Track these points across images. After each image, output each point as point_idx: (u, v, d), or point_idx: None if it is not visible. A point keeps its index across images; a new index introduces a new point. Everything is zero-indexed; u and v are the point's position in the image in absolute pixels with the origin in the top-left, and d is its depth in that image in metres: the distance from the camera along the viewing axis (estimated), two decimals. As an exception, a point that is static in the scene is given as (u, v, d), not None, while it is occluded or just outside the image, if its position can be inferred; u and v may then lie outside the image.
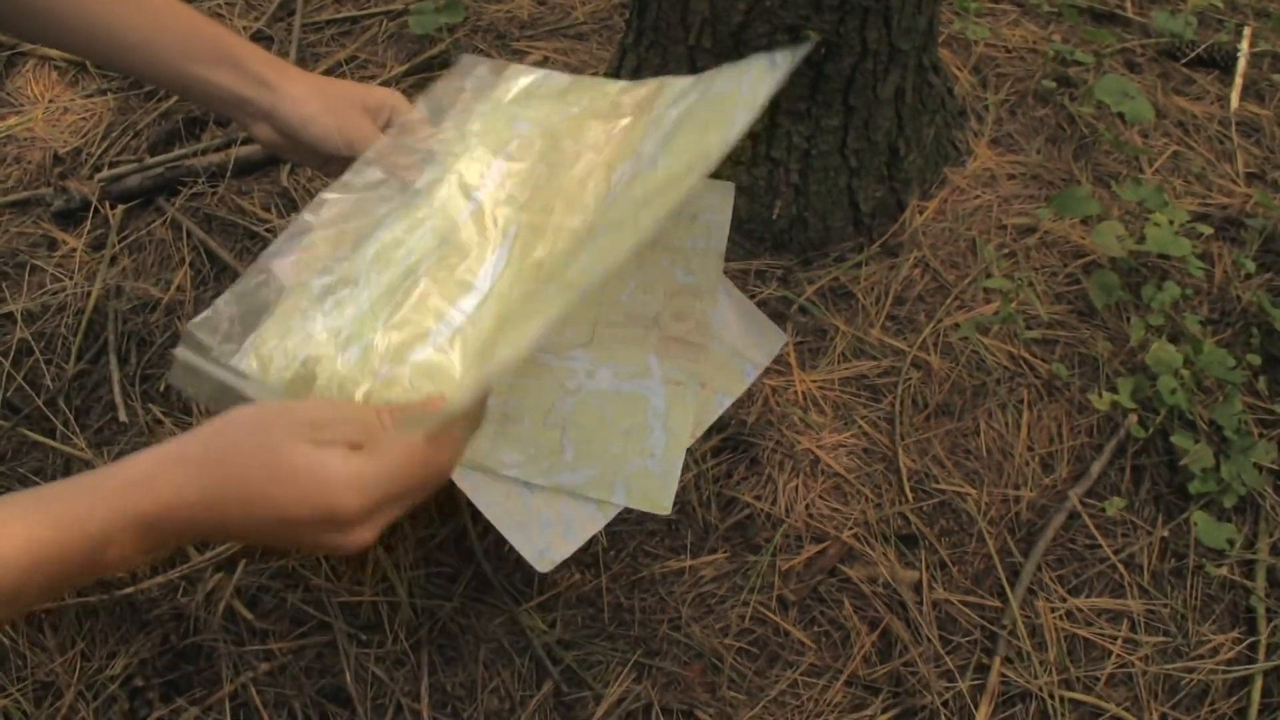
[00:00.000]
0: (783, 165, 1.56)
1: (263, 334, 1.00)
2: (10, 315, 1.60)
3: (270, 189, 1.75)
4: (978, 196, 1.70)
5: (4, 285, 1.65)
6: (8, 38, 1.97)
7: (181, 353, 0.98)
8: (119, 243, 1.69)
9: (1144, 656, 1.32)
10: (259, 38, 2.02)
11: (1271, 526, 1.43)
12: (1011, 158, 1.78)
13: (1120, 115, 1.82)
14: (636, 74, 1.60)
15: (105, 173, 1.78)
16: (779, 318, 1.54)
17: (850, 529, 1.38)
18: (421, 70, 1.93)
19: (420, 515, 1.37)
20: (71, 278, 1.64)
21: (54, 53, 1.97)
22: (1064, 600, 1.36)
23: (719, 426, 1.41)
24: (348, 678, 1.28)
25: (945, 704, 1.27)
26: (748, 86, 1.09)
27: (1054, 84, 1.90)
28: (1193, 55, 2.03)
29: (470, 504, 1.36)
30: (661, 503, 1.17)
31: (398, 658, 1.30)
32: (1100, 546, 1.40)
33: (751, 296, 1.54)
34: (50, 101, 1.93)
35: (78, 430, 1.49)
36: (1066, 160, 1.79)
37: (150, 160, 1.78)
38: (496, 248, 1.05)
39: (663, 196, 0.96)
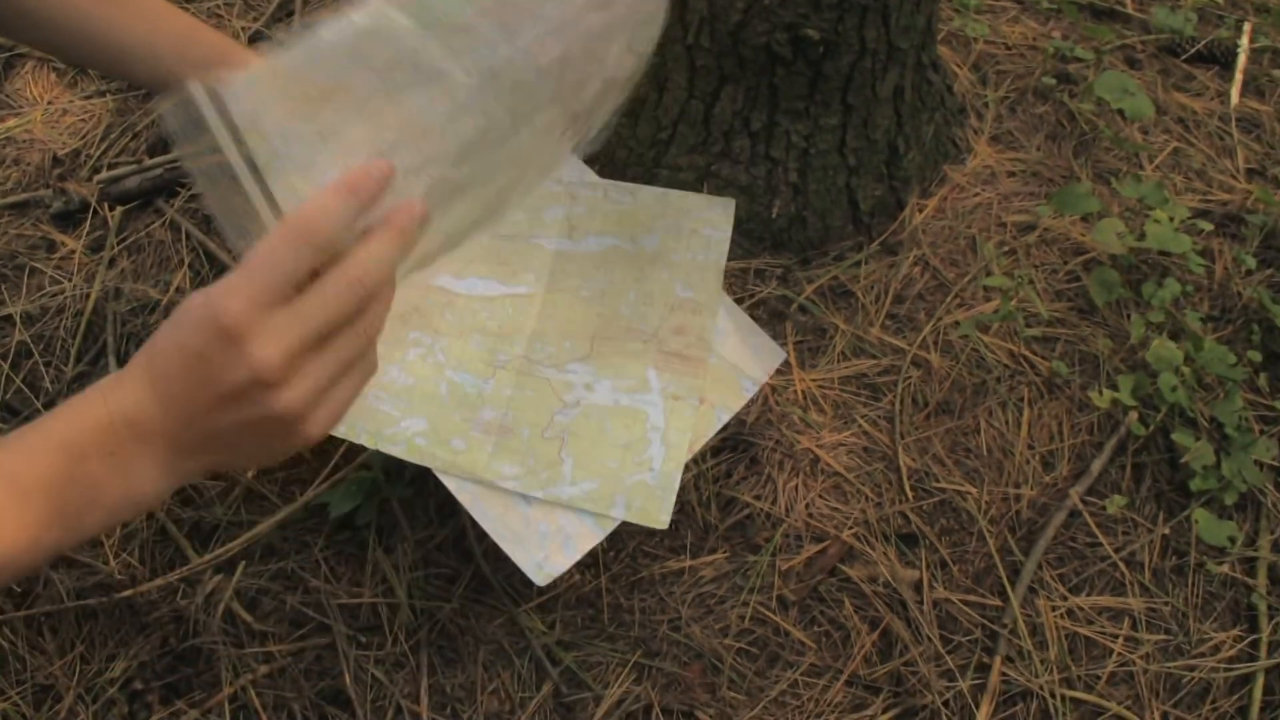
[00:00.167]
0: (781, 164, 1.56)
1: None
2: (9, 317, 1.60)
3: (269, 190, 1.74)
4: (977, 194, 1.70)
5: (3, 287, 1.65)
6: (5, 40, 1.97)
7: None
8: (118, 244, 1.69)
9: (1145, 655, 1.32)
10: (258, 38, 2.01)
11: (1273, 524, 1.43)
12: (1011, 155, 1.77)
13: (1120, 112, 1.81)
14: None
15: (104, 174, 1.78)
16: (778, 317, 1.53)
17: (850, 528, 1.38)
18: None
19: (419, 516, 1.37)
20: (70, 279, 1.64)
21: (53, 54, 1.97)
22: (1065, 599, 1.35)
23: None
24: (347, 680, 1.28)
25: (946, 703, 1.27)
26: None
27: (1054, 81, 1.90)
28: (1193, 51, 2.02)
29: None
30: (659, 517, 1.17)
31: (397, 659, 1.30)
32: (1101, 544, 1.40)
33: (751, 295, 1.54)
34: (49, 103, 1.93)
35: (77, 433, 1.49)
36: (1066, 157, 1.79)
37: (149, 162, 1.78)
38: None
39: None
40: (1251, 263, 1.63)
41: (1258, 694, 1.30)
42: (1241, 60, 2.02)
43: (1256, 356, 1.52)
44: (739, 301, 1.51)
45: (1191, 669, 1.32)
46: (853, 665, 1.30)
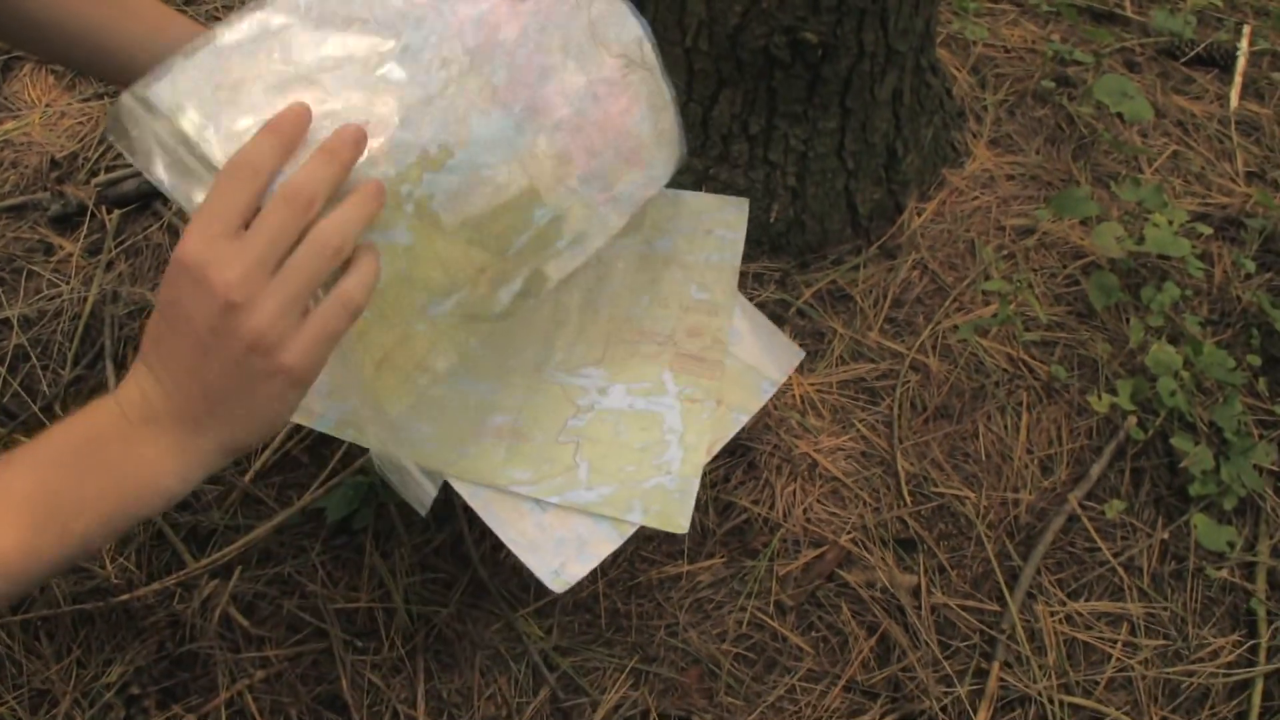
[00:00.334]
0: (780, 168, 1.56)
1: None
2: (6, 321, 1.60)
3: None
4: (976, 198, 1.70)
5: (0, 291, 1.65)
6: (5, 45, 1.96)
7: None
8: (115, 248, 1.69)
9: (1144, 660, 1.32)
10: (256, 41, 2.01)
11: (1272, 529, 1.42)
12: (1010, 158, 1.77)
13: (1119, 115, 1.81)
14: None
15: (102, 177, 1.78)
16: (777, 320, 1.53)
17: (848, 533, 1.38)
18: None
19: (416, 521, 1.37)
20: (68, 283, 1.64)
21: (51, 57, 1.97)
22: (1063, 604, 1.35)
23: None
24: (344, 685, 1.28)
25: (944, 709, 1.27)
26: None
27: (1053, 84, 1.89)
28: (1192, 54, 2.02)
29: (467, 509, 1.35)
30: (678, 521, 1.13)
31: (394, 664, 1.30)
32: (1100, 549, 1.39)
33: (749, 299, 1.54)
34: (47, 106, 1.92)
35: (74, 437, 1.48)
36: (1065, 160, 1.79)
37: (147, 165, 1.78)
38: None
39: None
40: (1251, 266, 1.63)
41: (1256, 699, 1.30)
42: (1241, 63, 2.02)
43: (1256, 361, 1.51)
44: (738, 305, 1.50)
45: (1190, 674, 1.31)
46: (850, 671, 1.30)
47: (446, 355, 1.01)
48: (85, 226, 1.72)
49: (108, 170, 1.80)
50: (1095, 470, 1.44)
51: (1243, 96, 1.97)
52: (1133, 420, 1.46)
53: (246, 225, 0.81)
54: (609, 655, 1.30)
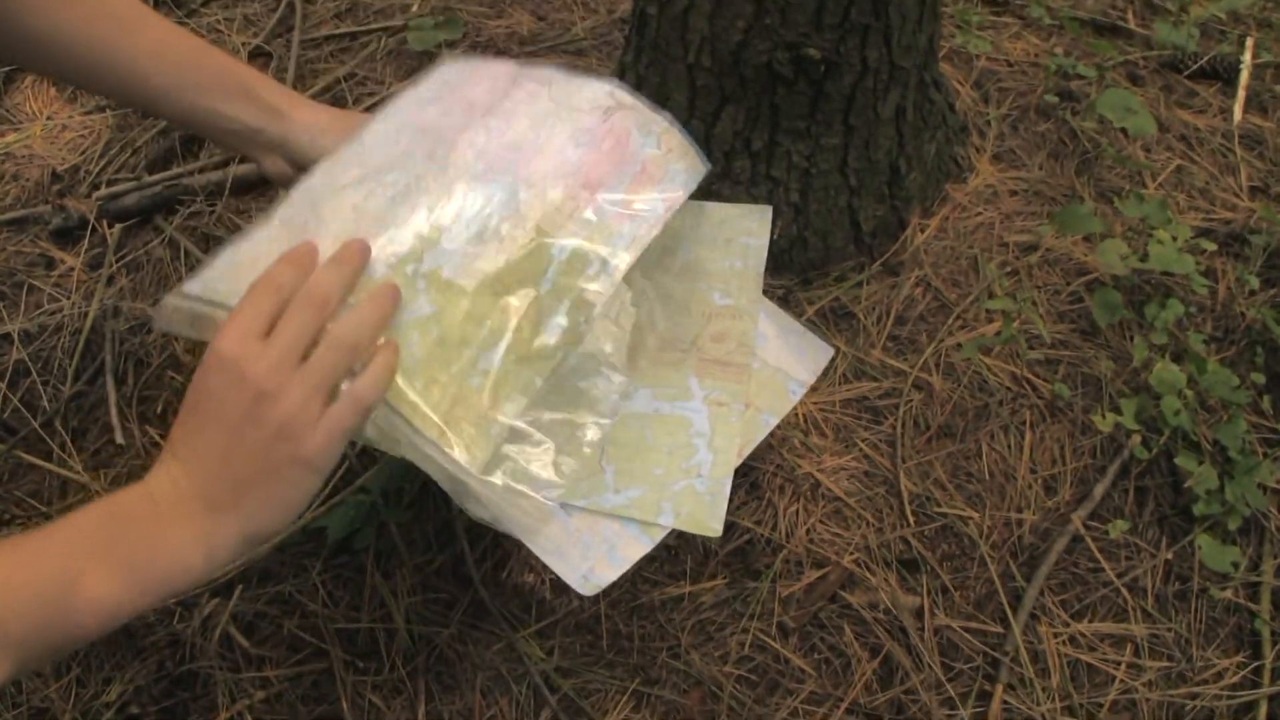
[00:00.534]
0: (783, 184, 1.55)
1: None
2: (7, 335, 1.60)
3: (268, 208, 1.73)
4: (979, 213, 1.69)
5: (1, 305, 1.65)
6: (9, 64, 1.96)
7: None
8: (116, 262, 1.68)
9: (1147, 682, 1.31)
10: (258, 54, 2.01)
11: (1276, 548, 1.42)
12: (1013, 173, 1.77)
13: (1123, 130, 1.81)
14: (636, 92, 1.59)
15: (103, 191, 1.78)
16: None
17: (851, 554, 1.37)
18: (421, 84, 1.92)
19: (418, 541, 1.37)
20: (69, 297, 1.64)
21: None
22: (1067, 625, 1.35)
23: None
24: (344, 705, 1.28)
25: (947, 732, 1.27)
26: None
27: (1056, 98, 1.89)
28: (1195, 67, 2.02)
29: (469, 529, 1.35)
30: (711, 525, 1.11)
31: (395, 685, 1.29)
32: (1103, 570, 1.39)
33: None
34: (49, 118, 1.92)
35: (74, 452, 1.48)
36: (1069, 175, 1.78)
37: (148, 179, 1.78)
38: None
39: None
40: (1255, 283, 1.62)
41: (1261, 722, 1.30)
42: (1244, 76, 2.01)
43: (1260, 379, 1.51)
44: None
45: (1194, 696, 1.31)
46: (853, 693, 1.29)
47: (514, 400, 1.04)
48: (86, 240, 1.72)
49: (109, 184, 1.80)
50: (1099, 490, 1.43)
51: (1246, 110, 1.97)
52: (1136, 439, 1.45)
53: (271, 330, 0.92)
54: (610, 677, 1.29)
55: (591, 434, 1.12)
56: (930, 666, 1.30)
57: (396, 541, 1.36)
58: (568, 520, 1.10)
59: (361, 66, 1.98)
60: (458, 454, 0.99)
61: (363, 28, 2.06)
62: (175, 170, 1.80)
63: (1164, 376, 1.47)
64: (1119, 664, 1.33)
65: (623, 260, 1.10)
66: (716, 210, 1.31)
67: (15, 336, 1.59)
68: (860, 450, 1.46)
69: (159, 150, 1.84)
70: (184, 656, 1.31)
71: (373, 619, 1.33)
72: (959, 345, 1.54)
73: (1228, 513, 1.41)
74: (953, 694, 1.29)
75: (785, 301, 1.58)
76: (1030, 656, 1.32)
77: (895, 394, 1.50)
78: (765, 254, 1.28)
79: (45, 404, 1.53)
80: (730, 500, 1.27)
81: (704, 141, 1.55)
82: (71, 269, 1.68)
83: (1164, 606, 1.38)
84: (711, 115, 1.52)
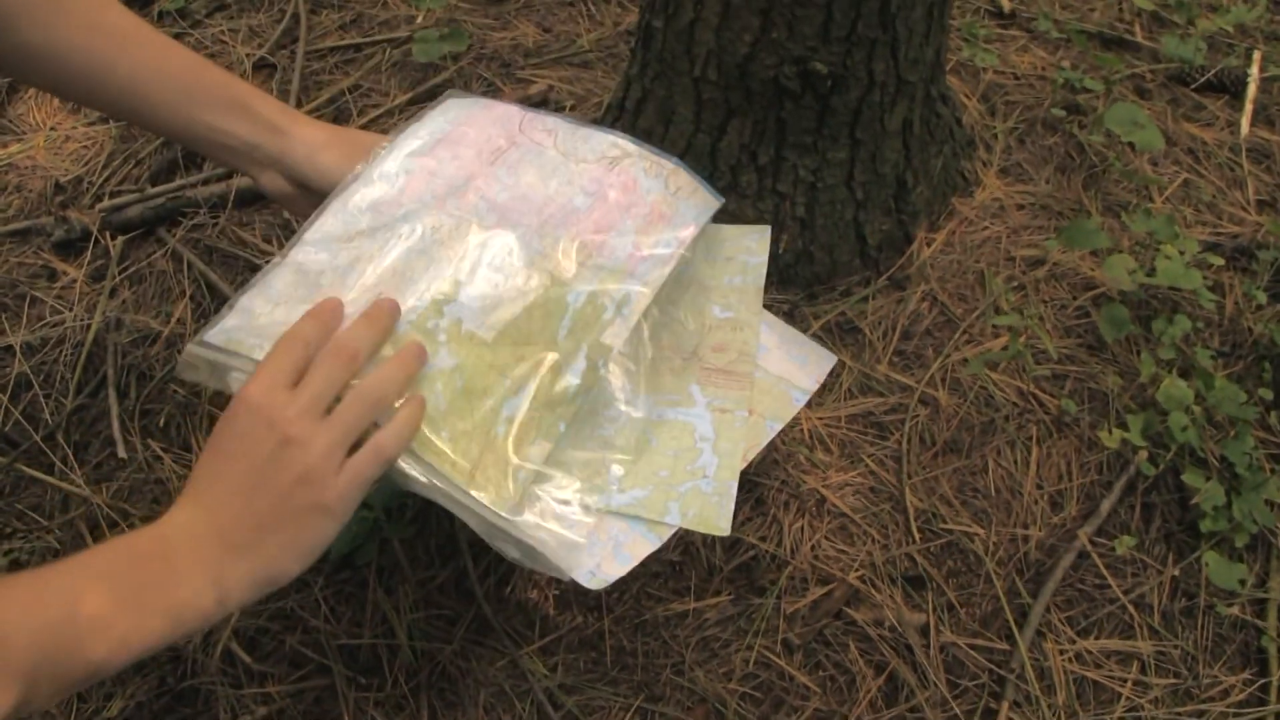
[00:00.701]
0: (788, 199, 1.55)
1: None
2: (9, 348, 1.59)
3: (271, 220, 1.73)
4: (986, 228, 1.69)
5: (3, 317, 1.64)
6: (10, 78, 1.96)
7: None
8: (119, 274, 1.68)
9: (1154, 699, 1.31)
10: (262, 65, 2.01)
11: (1284, 565, 1.41)
12: (1020, 187, 1.76)
13: (1130, 144, 1.80)
14: (641, 105, 1.59)
15: (106, 202, 1.77)
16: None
17: (856, 570, 1.37)
18: (425, 99, 1.92)
19: (420, 556, 1.36)
20: (71, 309, 1.63)
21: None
22: (1073, 642, 1.34)
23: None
24: (347, 722, 1.27)
25: (952, 751, 1.26)
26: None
27: (1063, 112, 1.88)
28: (1202, 80, 2.01)
29: (472, 544, 1.34)
30: (718, 524, 1.11)
31: (397, 702, 1.28)
32: (1110, 586, 1.38)
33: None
34: (52, 129, 1.92)
35: (76, 466, 1.48)
36: (1076, 189, 1.77)
37: (151, 190, 1.77)
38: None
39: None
40: (1262, 298, 1.61)
41: (1268, 740, 1.29)
42: (1251, 89, 2.01)
43: (1268, 394, 1.50)
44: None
45: (1201, 714, 1.30)
46: (858, 710, 1.28)
47: (539, 445, 1.05)
48: (89, 252, 1.71)
49: (112, 195, 1.79)
50: (1105, 506, 1.43)
51: (1253, 123, 1.96)
52: (1143, 455, 1.45)
53: (298, 382, 0.95)
54: (614, 694, 1.29)
55: (615, 470, 1.12)
56: (935, 684, 1.30)
57: (399, 557, 1.36)
58: (575, 520, 1.09)
59: (366, 78, 1.98)
60: (487, 499, 1.01)
61: (367, 39, 2.06)
62: (178, 182, 1.79)
63: (1171, 392, 1.46)
64: (1125, 681, 1.32)
65: (638, 302, 1.13)
66: (717, 231, 1.31)
67: (17, 349, 1.58)
68: (866, 466, 1.45)
69: (162, 162, 1.83)
70: (185, 672, 1.30)
71: (375, 635, 1.32)
72: (965, 360, 1.53)
73: (1235, 529, 1.40)
74: (958, 711, 1.28)
75: (790, 316, 1.57)
76: (1036, 674, 1.31)
77: (901, 409, 1.50)
78: (764, 270, 1.29)
79: (47, 417, 1.53)
80: (735, 515, 1.27)
81: (710, 155, 1.54)
82: (74, 281, 1.67)
83: (1170, 623, 1.37)
84: (717, 129, 1.52)
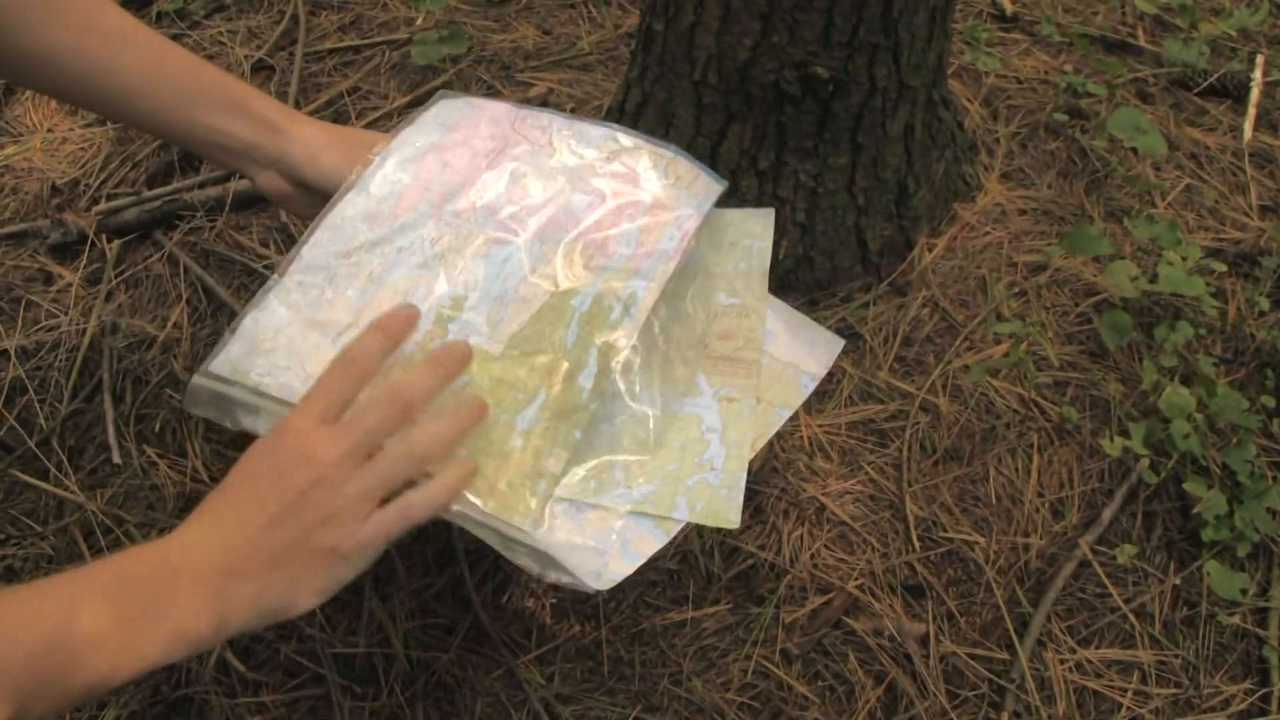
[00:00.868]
0: (789, 204, 1.54)
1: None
2: (4, 352, 1.58)
3: (269, 224, 1.73)
4: (988, 233, 1.68)
5: (-1, 321, 1.64)
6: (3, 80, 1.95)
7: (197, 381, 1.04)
8: (115, 278, 1.67)
9: (1155, 709, 1.30)
10: (260, 67, 2.00)
11: (1286, 574, 1.41)
12: (1022, 192, 1.75)
13: (1133, 149, 1.79)
14: (641, 108, 1.58)
15: (103, 205, 1.76)
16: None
17: (856, 579, 1.36)
18: (424, 101, 1.90)
19: (417, 565, 1.35)
20: (67, 313, 1.62)
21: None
22: (1073, 651, 1.33)
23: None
24: (342, 732, 1.26)
25: (952, 762, 1.25)
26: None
27: (1065, 116, 1.88)
28: (1205, 85, 2.01)
29: (469, 552, 1.33)
30: (728, 517, 1.09)
31: (392, 711, 1.28)
32: (1111, 595, 1.37)
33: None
34: (49, 131, 1.91)
35: (70, 472, 1.47)
36: (1078, 195, 1.77)
37: (148, 193, 1.76)
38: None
39: None
40: (1265, 304, 1.61)
41: (1269, 751, 1.28)
42: (1254, 94, 2.00)
43: (1270, 401, 1.49)
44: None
45: (1202, 725, 1.30)
46: (857, 721, 1.28)
47: (556, 456, 1.04)
48: (85, 256, 1.70)
49: (108, 198, 1.78)
50: (1107, 514, 1.42)
51: (1256, 128, 1.95)
52: (1145, 463, 1.44)
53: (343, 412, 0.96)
54: (611, 704, 1.28)
55: (622, 467, 1.11)
56: (935, 694, 1.29)
57: (395, 565, 1.35)
58: (579, 516, 1.08)
59: (365, 80, 1.97)
60: (509, 516, 1.00)
61: (366, 41, 2.05)
62: (175, 185, 1.78)
63: (1173, 400, 1.45)
64: (1126, 691, 1.31)
65: (645, 301, 1.12)
66: (720, 215, 1.30)
67: (12, 353, 1.57)
68: (866, 474, 1.44)
69: (159, 165, 1.83)
70: (180, 681, 1.30)
71: (370, 644, 1.31)
72: (966, 367, 1.52)
73: (1236, 538, 1.40)
74: (958, 723, 1.28)
75: (790, 322, 1.56)
76: (1036, 683, 1.30)
77: (902, 416, 1.49)
78: (769, 254, 1.27)
79: (42, 422, 1.52)
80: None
81: (710, 160, 1.53)
82: (70, 284, 1.66)
83: (1171, 633, 1.36)
84: (718, 134, 1.51)
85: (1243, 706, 1.31)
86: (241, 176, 1.70)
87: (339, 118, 1.89)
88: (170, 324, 1.60)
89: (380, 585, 1.35)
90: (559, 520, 1.06)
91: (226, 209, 1.74)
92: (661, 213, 1.17)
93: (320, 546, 0.91)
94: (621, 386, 1.14)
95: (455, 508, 0.99)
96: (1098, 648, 1.34)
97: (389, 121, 1.88)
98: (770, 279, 1.29)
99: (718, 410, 1.16)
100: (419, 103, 1.87)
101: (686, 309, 1.23)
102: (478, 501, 0.99)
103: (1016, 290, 1.62)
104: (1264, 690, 1.33)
